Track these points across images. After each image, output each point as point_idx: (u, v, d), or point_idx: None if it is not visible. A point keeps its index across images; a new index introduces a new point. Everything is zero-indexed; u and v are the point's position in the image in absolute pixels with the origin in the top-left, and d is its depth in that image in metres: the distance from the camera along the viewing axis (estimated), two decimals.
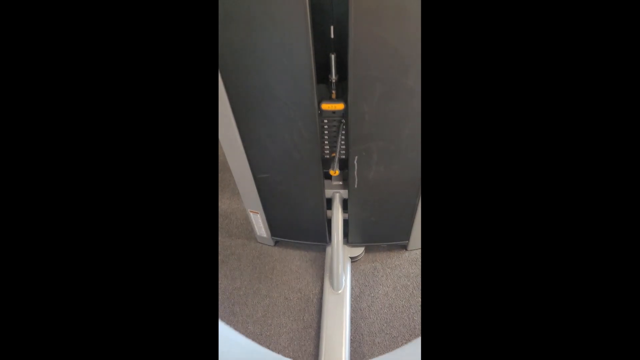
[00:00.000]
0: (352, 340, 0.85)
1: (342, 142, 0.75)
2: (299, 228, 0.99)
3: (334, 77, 0.66)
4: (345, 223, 0.94)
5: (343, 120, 0.71)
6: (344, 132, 0.72)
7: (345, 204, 0.90)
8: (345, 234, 0.97)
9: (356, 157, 0.74)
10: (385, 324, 0.88)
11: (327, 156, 0.80)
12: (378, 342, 0.85)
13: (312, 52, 0.56)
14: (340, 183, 0.89)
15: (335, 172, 0.76)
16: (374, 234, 0.97)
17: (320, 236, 0.99)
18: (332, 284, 0.92)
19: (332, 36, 0.62)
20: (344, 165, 0.81)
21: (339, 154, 0.76)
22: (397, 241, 1.01)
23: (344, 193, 0.88)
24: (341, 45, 0.60)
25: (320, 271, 1.00)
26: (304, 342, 0.87)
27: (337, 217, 0.90)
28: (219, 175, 1.34)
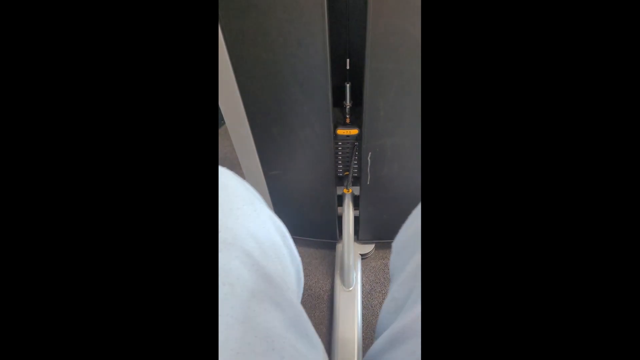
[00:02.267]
0: (364, 337, 0.85)
1: (355, 162, 0.79)
2: (309, 225, 0.98)
3: (348, 103, 0.70)
4: (356, 220, 0.93)
5: (356, 143, 0.76)
6: (357, 153, 0.77)
7: (356, 201, 0.89)
8: (356, 231, 0.96)
9: (370, 154, 0.73)
10: None
11: (340, 174, 0.84)
12: None
13: (327, 53, 0.56)
14: (352, 191, 0.89)
15: (349, 190, 0.84)
16: (384, 231, 0.96)
17: (330, 233, 0.98)
18: (342, 281, 0.92)
19: (347, 67, 0.67)
20: (357, 181, 0.84)
21: (352, 172, 0.80)
22: None
23: (355, 190, 0.88)
24: (356, 76, 0.64)
25: (330, 268, 1.00)
26: None
27: (348, 214, 0.89)
28: None
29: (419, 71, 0.58)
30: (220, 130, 1.50)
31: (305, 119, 0.68)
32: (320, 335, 0.88)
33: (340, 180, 0.86)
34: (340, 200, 0.90)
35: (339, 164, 0.82)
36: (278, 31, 0.55)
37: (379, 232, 0.97)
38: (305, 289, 0.96)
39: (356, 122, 0.72)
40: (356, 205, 0.90)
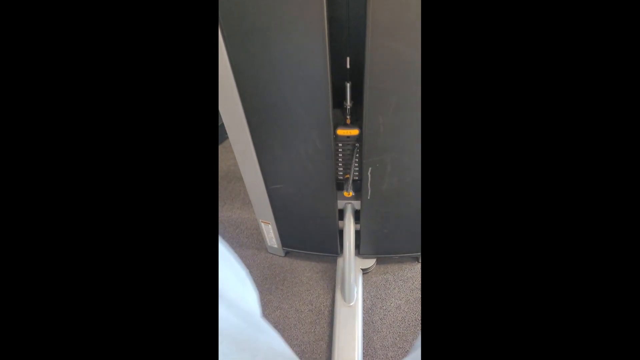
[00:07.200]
0: (365, 354, 0.84)
1: (356, 165, 0.78)
2: (310, 239, 0.98)
3: (349, 103, 0.69)
4: (357, 234, 0.93)
5: (357, 145, 0.74)
6: (357, 155, 0.76)
7: (357, 215, 0.90)
8: (357, 245, 0.96)
9: (370, 169, 0.74)
10: (398, 338, 0.87)
11: (341, 177, 0.82)
12: (391, 357, 0.84)
13: (328, 69, 0.57)
14: (353, 194, 0.89)
15: (349, 193, 0.82)
16: (386, 245, 0.96)
17: (331, 247, 0.98)
18: (343, 296, 0.91)
19: (348, 66, 0.66)
20: (358, 186, 0.83)
21: (353, 175, 0.79)
22: (409, 253, 1.00)
23: (356, 204, 0.88)
24: (356, 75, 0.64)
25: (331, 283, 0.99)
26: (315, 355, 0.85)
27: (349, 228, 0.89)
28: (231, 185, 1.34)
29: (416, 89, 0.60)
30: (224, 145, 1.52)
31: (307, 135, 0.69)
32: (320, 351, 0.87)
33: (341, 186, 0.85)
34: (341, 214, 0.90)
35: (340, 167, 0.80)
36: (279, 52, 0.57)
37: (380, 246, 0.97)
38: (306, 304, 0.95)
39: (357, 122, 0.71)
40: (357, 219, 0.91)
